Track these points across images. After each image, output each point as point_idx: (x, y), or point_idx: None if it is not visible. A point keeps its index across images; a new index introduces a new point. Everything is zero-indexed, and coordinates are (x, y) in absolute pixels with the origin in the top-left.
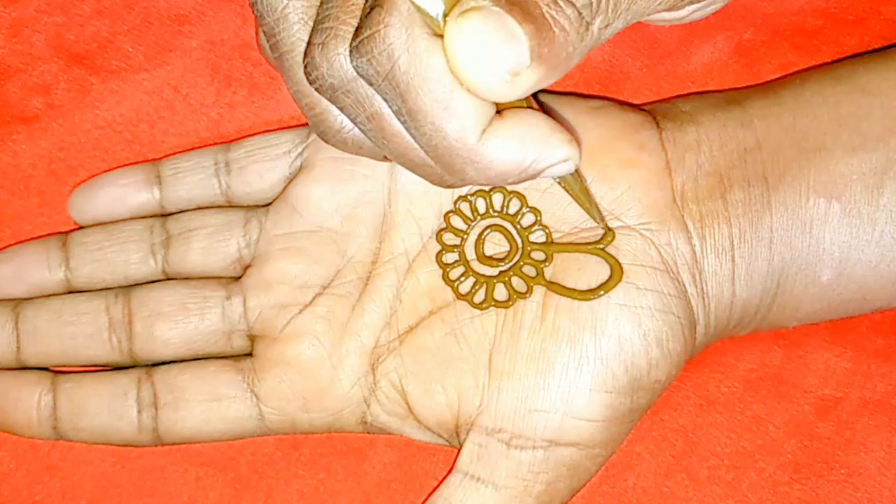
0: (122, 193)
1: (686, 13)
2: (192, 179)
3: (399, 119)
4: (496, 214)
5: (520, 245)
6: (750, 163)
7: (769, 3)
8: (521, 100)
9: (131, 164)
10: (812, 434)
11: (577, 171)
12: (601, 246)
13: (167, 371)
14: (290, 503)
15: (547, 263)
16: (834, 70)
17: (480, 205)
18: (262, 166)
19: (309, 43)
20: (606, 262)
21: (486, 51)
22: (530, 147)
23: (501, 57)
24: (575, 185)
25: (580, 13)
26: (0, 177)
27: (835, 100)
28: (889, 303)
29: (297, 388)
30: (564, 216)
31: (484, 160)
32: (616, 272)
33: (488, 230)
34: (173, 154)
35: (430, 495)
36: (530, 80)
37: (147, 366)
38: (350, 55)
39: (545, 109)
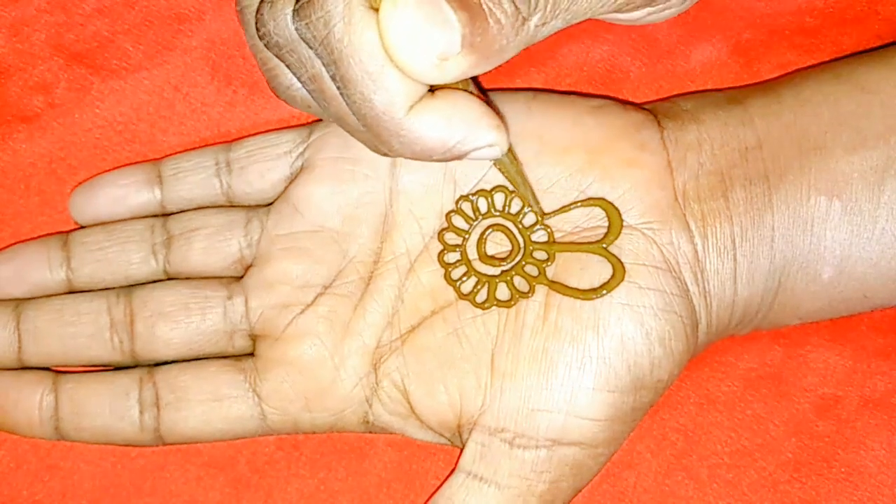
0: (123, 193)
1: (640, 15)
2: (193, 179)
3: (335, 84)
4: (498, 214)
5: (522, 244)
6: (751, 161)
7: (768, 3)
8: (457, 82)
9: (132, 163)
10: (812, 433)
11: (512, 155)
12: (604, 245)
13: (169, 371)
14: (291, 503)
15: (549, 263)
16: (834, 68)
17: (482, 204)
18: (263, 166)
19: (261, 0)
20: (609, 261)
21: (417, 32)
22: (457, 128)
23: (432, 40)
24: (510, 168)
25: (517, 8)
26: (0, 176)
27: (835, 98)
28: (890, 301)
29: (299, 388)
30: (566, 215)
31: (410, 135)
32: (618, 271)
33: (490, 229)
34: (174, 154)
35: (432, 495)
36: (459, 67)
37: (148, 366)
38: (292, 16)
39: (484, 95)
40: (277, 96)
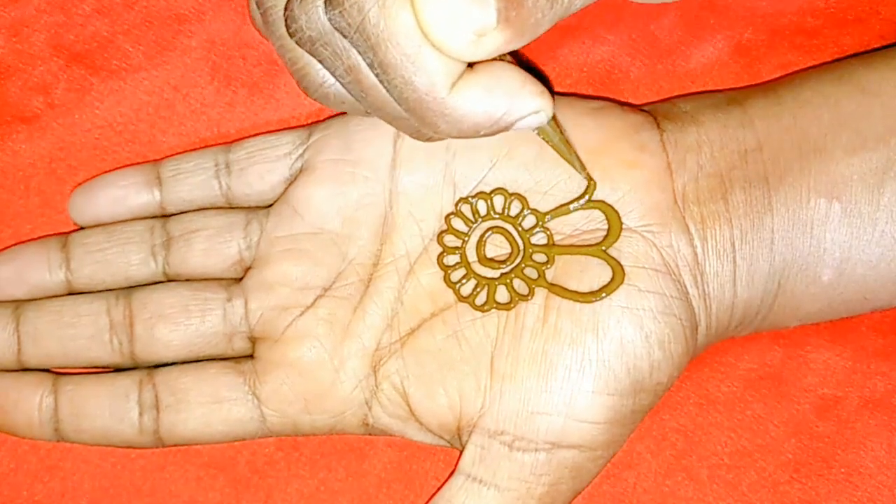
0: (123, 194)
1: None
2: (193, 181)
3: (373, 72)
4: (497, 216)
5: (521, 247)
6: (751, 163)
7: (769, 3)
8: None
9: (131, 163)
10: (812, 433)
11: (556, 122)
12: (603, 248)
13: (168, 373)
14: (291, 503)
15: (548, 265)
16: (834, 70)
17: (481, 207)
18: (262, 167)
19: None
20: (608, 264)
21: (452, 9)
22: (501, 99)
23: (468, 16)
24: (554, 136)
25: None
26: (0, 177)
27: (835, 100)
28: (889, 302)
29: (299, 390)
30: (566, 218)
31: (455, 113)
32: (618, 274)
33: (490, 232)
34: (173, 154)
35: (432, 496)
36: (496, 43)
37: (148, 368)
38: (324, 7)
39: (521, 64)
40: (309, 96)
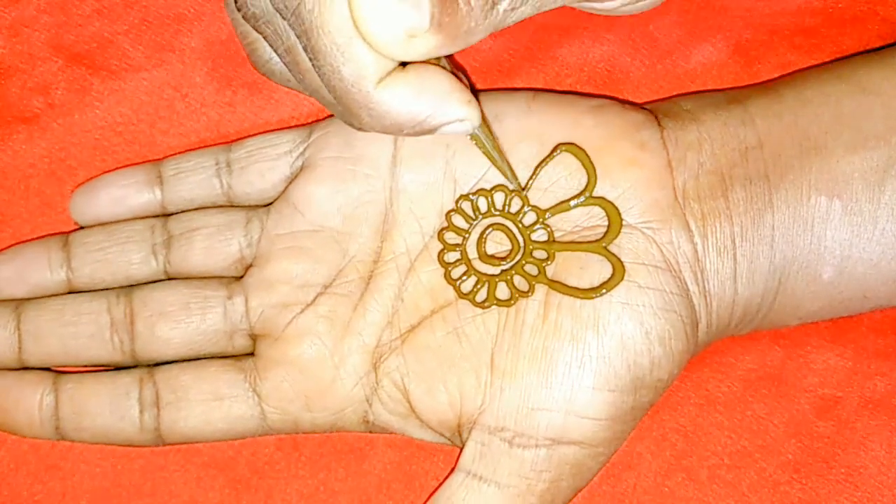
0: (124, 194)
1: (615, 5)
2: (194, 179)
3: (307, 56)
4: (498, 213)
5: (521, 244)
6: (751, 161)
7: (768, 4)
8: (428, 60)
9: (132, 163)
10: (812, 434)
11: (487, 130)
12: (603, 244)
13: (169, 371)
14: (291, 503)
15: (549, 262)
16: (835, 69)
17: (482, 203)
18: (263, 166)
19: None
20: (608, 260)
21: (386, 7)
22: (427, 102)
23: (401, 16)
24: (486, 143)
25: None
26: (0, 177)
27: (836, 98)
28: (890, 301)
29: (299, 387)
30: (566, 215)
31: (379, 108)
32: (618, 271)
33: (490, 229)
34: (174, 154)
35: (432, 494)
36: (427, 46)
37: (149, 366)
38: None
39: (458, 72)
40: (257, 70)
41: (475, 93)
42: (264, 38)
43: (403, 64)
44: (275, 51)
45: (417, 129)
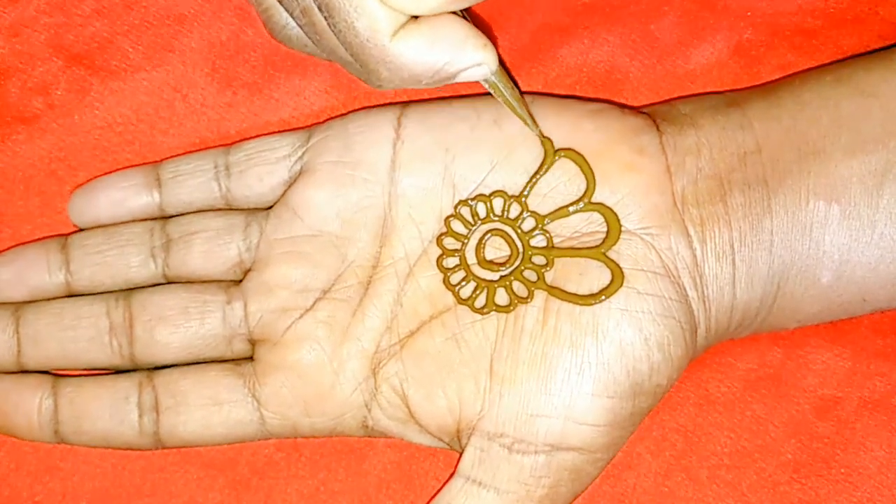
0: (122, 196)
1: None
2: (192, 182)
3: (322, 14)
4: (497, 219)
5: (521, 249)
6: (750, 166)
7: (769, 4)
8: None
9: (131, 164)
10: (812, 434)
11: (506, 77)
12: (602, 250)
13: (168, 375)
14: (291, 503)
15: (548, 268)
16: (833, 71)
17: (481, 209)
18: (262, 170)
19: None
20: (607, 266)
21: None
22: (443, 50)
23: None
24: (504, 90)
25: None
26: (0, 177)
27: (834, 102)
28: (889, 304)
29: (298, 392)
30: (565, 221)
31: (396, 60)
32: (617, 277)
33: (489, 234)
34: (173, 154)
35: (432, 499)
36: (438, 0)
37: (148, 370)
38: None
39: (472, 20)
40: (274, 37)
41: (494, 41)
42: (280, 1)
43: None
44: (290, 14)
45: (436, 77)
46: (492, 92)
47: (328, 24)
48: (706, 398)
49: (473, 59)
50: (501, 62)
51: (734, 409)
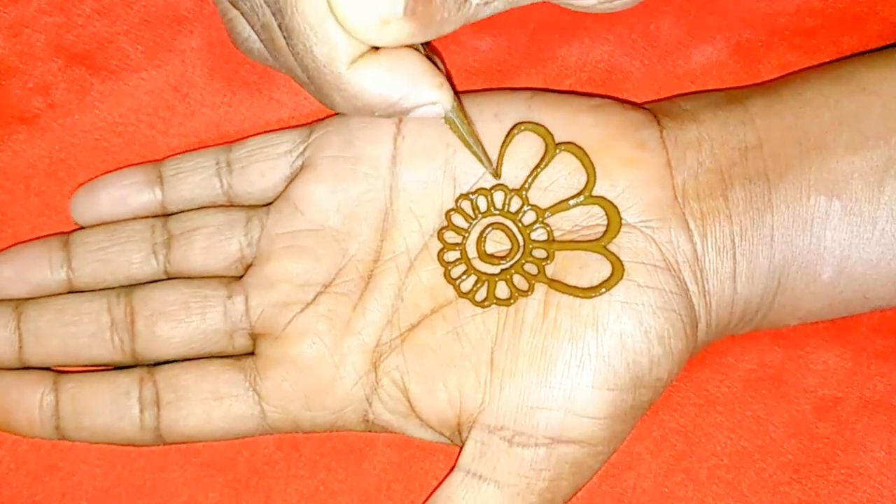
0: (124, 194)
1: (591, 3)
2: (194, 179)
3: (282, 34)
4: (497, 212)
5: (521, 243)
6: (751, 161)
7: (768, 3)
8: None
9: (131, 163)
10: (812, 434)
11: (462, 115)
12: (603, 243)
13: (169, 370)
14: (291, 503)
15: (548, 261)
16: (835, 69)
17: (482, 203)
18: (263, 165)
19: None
20: (608, 259)
21: None
22: (399, 84)
23: (375, 2)
24: (460, 127)
25: None
26: (0, 177)
27: (836, 99)
28: (889, 301)
29: (299, 386)
30: (566, 214)
31: (350, 89)
32: (617, 270)
33: (490, 228)
34: (173, 154)
35: (432, 493)
36: (400, 33)
37: (149, 365)
38: None
39: (431, 57)
40: (237, 48)
41: (450, 78)
42: (242, 14)
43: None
44: (252, 28)
45: (389, 110)
46: (450, 128)
47: (287, 44)
48: (706, 398)
49: (428, 97)
50: (458, 99)
51: (734, 409)
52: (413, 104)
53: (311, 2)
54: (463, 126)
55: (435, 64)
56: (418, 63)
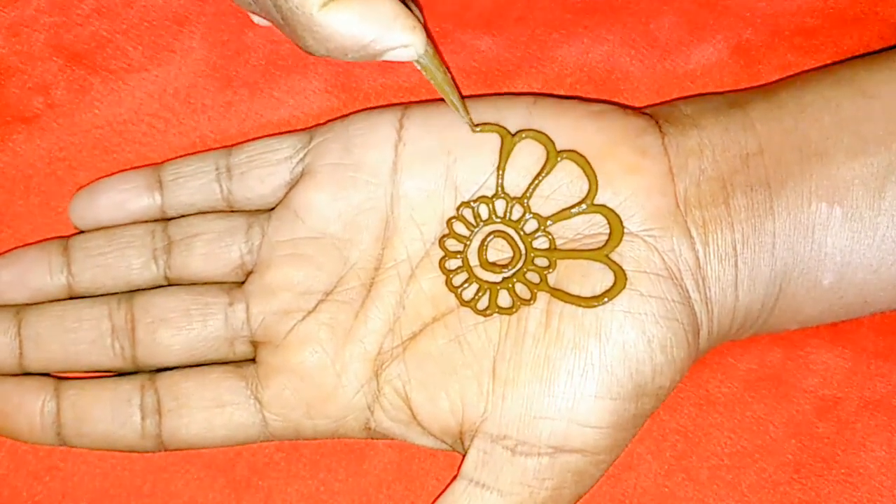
0: (124, 198)
1: None
2: (194, 184)
3: None
4: (499, 220)
5: (523, 251)
6: (752, 168)
7: (768, 4)
8: None
9: (131, 163)
10: (812, 434)
11: (437, 60)
12: (605, 252)
13: (170, 377)
14: (291, 503)
15: (551, 270)
16: (835, 72)
17: (483, 211)
18: (263, 171)
19: None
20: (610, 268)
21: None
22: (371, 26)
23: None
24: (435, 74)
25: None
26: (0, 177)
27: (836, 103)
28: (890, 306)
29: (301, 394)
30: (568, 222)
31: (322, 31)
32: (620, 279)
33: (491, 236)
34: (173, 154)
35: (434, 501)
36: None
37: (150, 372)
38: None
39: (405, 2)
40: None
41: (426, 26)
42: None
43: None
44: None
45: (361, 52)
46: (424, 74)
47: None
48: (706, 398)
49: (401, 39)
50: (434, 45)
51: (734, 409)
52: (385, 46)
53: None
54: (438, 72)
55: (410, 10)
56: (391, 5)
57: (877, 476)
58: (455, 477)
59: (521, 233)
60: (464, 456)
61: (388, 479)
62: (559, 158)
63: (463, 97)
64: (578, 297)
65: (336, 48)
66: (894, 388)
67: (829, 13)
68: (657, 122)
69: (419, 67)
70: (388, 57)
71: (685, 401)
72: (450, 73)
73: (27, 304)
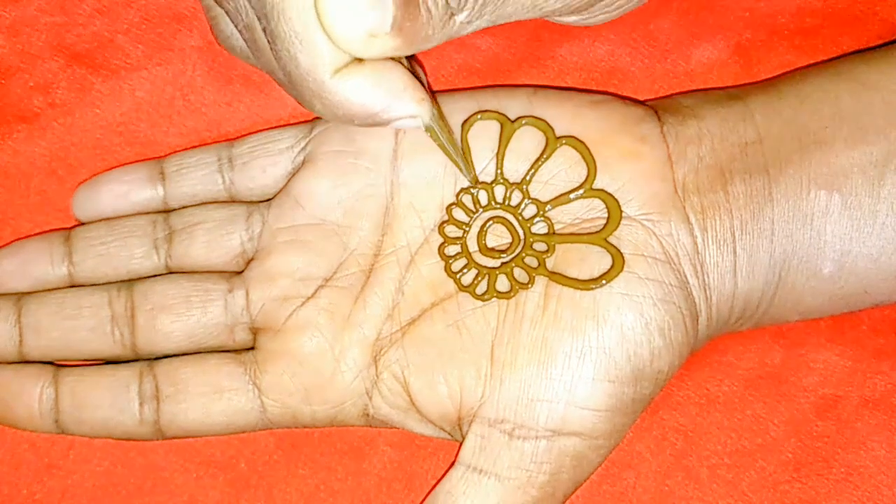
0: (126, 190)
1: (572, 20)
2: (196, 175)
3: (266, 37)
4: (498, 206)
5: (522, 236)
6: (751, 155)
7: (768, 3)
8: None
9: (132, 162)
10: (812, 433)
11: (443, 125)
12: (603, 236)
13: (169, 363)
14: (291, 502)
15: (549, 254)
16: (834, 66)
17: (483, 197)
18: (265, 161)
19: None
20: (608, 252)
21: (351, 5)
22: (381, 97)
23: (365, 15)
24: (441, 137)
25: (448, 3)
26: (1, 176)
27: (835, 94)
28: (890, 296)
29: (300, 380)
30: (566, 207)
31: (332, 98)
32: (617, 262)
33: (490, 222)
34: (174, 153)
35: (433, 489)
36: (385, 47)
37: (149, 359)
38: None
39: (415, 69)
40: (219, 44)
41: (431, 90)
42: (226, 12)
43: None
44: (235, 27)
45: (370, 121)
46: (431, 138)
47: (270, 47)
48: (706, 397)
49: (408, 110)
50: (438, 108)
51: (734, 408)
52: (393, 116)
53: (297, 9)
54: (443, 135)
55: (416, 74)
56: (401, 77)
57: (877, 475)
58: (453, 464)
59: (520, 218)
60: (461, 442)
61: (388, 479)
62: (558, 144)
63: (466, 158)
64: (576, 279)
65: (344, 115)
66: (894, 386)
67: (828, 13)
68: (656, 112)
69: (425, 131)
70: (395, 126)
71: (685, 399)
72: (452, 133)
73: (28, 293)
